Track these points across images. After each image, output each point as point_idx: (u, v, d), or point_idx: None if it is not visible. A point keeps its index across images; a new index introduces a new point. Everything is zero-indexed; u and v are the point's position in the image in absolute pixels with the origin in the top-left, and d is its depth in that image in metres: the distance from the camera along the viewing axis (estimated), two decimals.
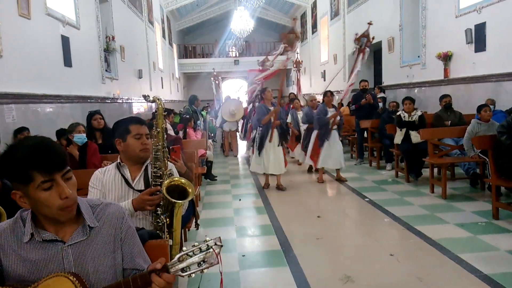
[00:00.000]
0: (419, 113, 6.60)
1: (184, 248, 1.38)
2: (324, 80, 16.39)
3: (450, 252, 3.62)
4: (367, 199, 5.60)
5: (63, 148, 1.39)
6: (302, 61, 8.90)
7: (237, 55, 23.71)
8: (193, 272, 1.33)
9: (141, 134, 2.38)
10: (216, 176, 7.50)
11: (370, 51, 12.77)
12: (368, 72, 13.24)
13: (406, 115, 6.56)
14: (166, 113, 2.68)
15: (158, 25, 15.23)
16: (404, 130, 6.49)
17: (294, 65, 9.86)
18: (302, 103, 9.12)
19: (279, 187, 6.39)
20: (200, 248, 1.34)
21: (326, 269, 3.50)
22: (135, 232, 1.58)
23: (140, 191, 2.34)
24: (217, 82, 13.08)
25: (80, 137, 4.30)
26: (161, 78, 15.21)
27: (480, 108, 5.58)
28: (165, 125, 2.51)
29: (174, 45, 20.44)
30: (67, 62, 6.45)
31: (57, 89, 6.06)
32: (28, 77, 5.29)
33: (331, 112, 6.60)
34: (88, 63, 7.51)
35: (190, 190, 2.28)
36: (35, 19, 5.49)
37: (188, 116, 7.82)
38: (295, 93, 11.63)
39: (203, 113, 10.84)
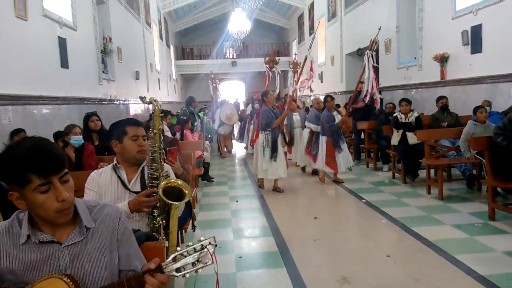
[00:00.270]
0: (415, 114, 6.62)
1: (178, 248, 1.37)
2: (322, 81, 16.40)
3: (447, 253, 3.62)
4: (364, 201, 5.61)
5: (61, 150, 1.38)
6: (300, 63, 8.83)
7: (235, 57, 23.71)
8: (188, 272, 1.33)
9: (137, 135, 2.38)
10: (213, 178, 7.50)
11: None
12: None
13: (403, 116, 6.58)
14: (163, 114, 2.69)
15: (155, 26, 15.22)
16: (401, 131, 6.50)
17: (291, 66, 9.79)
18: (300, 105, 9.07)
19: (277, 189, 6.38)
20: (194, 248, 1.34)
21: (323, 270, 3.50)
22: (131, 233, 1.58)
23: (136, 192, 2.34)
24: (214, 84, 13.11)
25: (77, 139, 4.29)
26: (158, 79, 15.20)
27: (476, 109, 5.60)
28: (162, 127, 2.51)
29: (172, 47, 20.43)
30: (64, 63, 6.44)
31: (54, 90, 6.04)
32: (24, 78, 5.27)
33: (334, 115, 6.71)
34: (85, 64, 7.49)
35: (186, 191, 2.28)
36: (32, 21, 5.47)
37: (185, 118, 7.82)
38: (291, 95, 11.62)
39: (200, 114, 10.87)
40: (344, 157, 6.68)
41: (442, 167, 5.61)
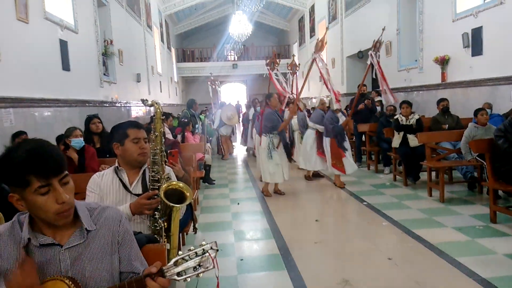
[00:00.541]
0: (416, 116, 6.62)
1: (180, 252, 1.38)
2: (322, 84, 16.40)
3: (448, 255, 3.62)
4: (365, 203, 5.60)
5: (61, 152, 1.39)
6: (299, 64, 8.82)
7: (236, 59, 23.75)
8: (189, 276, 1.33)
9: (139, 138, 2.39)
10: (214, 180, 7.50)
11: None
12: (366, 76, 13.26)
13: (404, 118, 6.57)
14: (164, 117, 2.69)
15: (156, 29, 15.25)
16: (401, 133, 6.50)
17: (289, 68, 9.75)
18: (301, 107, 9.05)
19: (278, 192, 6.38)
20: (196, 252, 1.34)
21: (324, 273, 3.49)
22: (132, 235, 1.58)
23: (138, 195, 2.34)
24: (213, 86, 13.13)
25: (77, 142, 4.29)
26: (160, 82, 15.22)
27: (477, 112, 5.59)
28: (163, 129, 2.51)
29: (173, 49, 20.47)
30: (65, 66, 6.45)
31: (55, 93, 6.06)
32: (26, 81, 5.28)
33: (338, 116, 6.67)
34: (86, 67, 7.50)
35: (188, 194, 2.28)
36: (33, 23, 5.49)
37: (186, 120, 7.82)
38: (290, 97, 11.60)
39: (201, 116, 10.88)
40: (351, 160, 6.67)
41: (443, 170, 5.60)
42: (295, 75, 9.56)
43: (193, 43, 24.93)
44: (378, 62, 6.76)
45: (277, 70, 8.55)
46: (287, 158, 6.26)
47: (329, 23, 15.37)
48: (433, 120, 6.70)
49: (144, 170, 2.44)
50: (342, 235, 4.51)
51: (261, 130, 6.22)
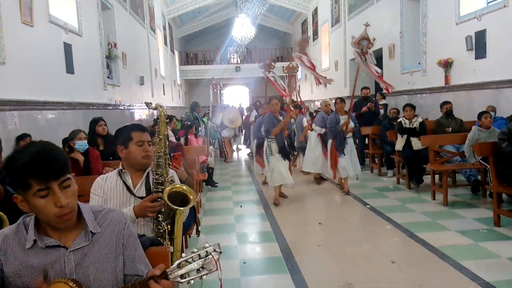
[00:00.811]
0: (420, 119, 6.61)
1: (183, 255, 1.38)
2: (325, 86, 16.39)
3: (452, 259, 3.61)
4: (368, 206, 5.59)
5: (64, 154, 1.39)
6: (297, 66, 8.78)
7: (239, 62, 23.78)
8: (192, 279, 1.34)
9: (143, 141, 2.39)
10: (217, 183, 7.51)
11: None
12: (369, 79, 13.24)
13: (407, 121, 6.56)
14: (168, 120, 2.70)
15: (160, 32, 15.31)
16: (405, 136, 6.49)
17: (285, 71, 9.70)
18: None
19: (281, 195, 6.35)
20: (199, 255, 1.35)
21: (327, 276, 3.49)
22: (137, 238, 1.59)
23: (141, 198, 2.35)
24: (215, 90, 13.11)
25: (81, 144, 4.30)
26: (163, 84, 15.26)
27: (480, 115, 5.58)
28: (166, 132, 2.52)
29: (176, 52, 20.53)
30: (69, 69, 6.48)
31: (59, 95, 6.09)
32: (30, 84, 5.31)
33: (343, 119, 6.45)
34: (90, 70, 7.54)
35: (191, 196, 2.29)
36: (38, 26, 5.52)
37: (189, 123, 7.84)
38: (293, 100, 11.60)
39: (205, 119, 10.91)
40: (349, 163, 6.41)
41: (446, 173, 5.59)
42: (293, 78, 9.53)
43: (196, 46, 24.99)
44: (364, 54, 6.69)
45: (273, 73, 8.55)
46: (284, 159, 5.98)
47: (332, 26, 15.38)
48: (437, 123, 6.68)
49: (148, 173, 2.45)
50: (345, 238, 4.51)
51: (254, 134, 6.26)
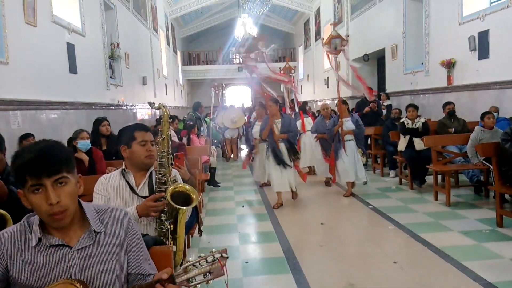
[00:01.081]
0: (422, 120, 6.59)
1: (190, 259, 1.39)
2: (328, 87, 16.41)
3: (454, 259, 3.60)
4: (370, 206, 5.59)
5: (65, 153, 1.39)
6: (294, 67, 8.77)
7: (241, 62, 23.79)
8: (199, 283, 1.35)
9: (146, 141, 2.40)
10: (219, 183, 7.51)
11: (373, 58, 12.81)
12: (371, 79, 13.26)
13: (410, 122, 6.55)
14: (170, 120, 2.71)
15: (162, 32, 15.32)
16: (407, 137, 6.48)
17: (282, 71, 9.68)
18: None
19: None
20: (206, 259, 1.36)
21: (329, 276, 3.49)
22: (141, 237, 1.60)
23: (144, 197, 2.36)
24: (217, 92, 13.08)
25: (83, 144, 4.31)
26: (165, 84, 15.28)
27: (483, 115, 5.57)
28: (169, 132, 2.53)
29: (178, 52, 20.55)
30: (72, 69, 6.50)
31: (62, 95, 6.10)
32: (33, 84, 5.33)
33: (345, 121, 6.23)
34: (93, 70, 7.56)
35: (194, 196, 2.29)
36: (41, 27, 5.54)
37: (192, 123, 7.85)
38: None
39: (207, 119, 10.92)
40: (350, 167, 6.13)
41: (449, 173, 5.58)
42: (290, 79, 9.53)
43: (198, 46, 25.00)
44: (337, 52, 6.64)
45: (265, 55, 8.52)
46: (277, 163, 5.69)
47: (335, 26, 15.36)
48: (439, 123, 6.67)
49: (151, 173, 2.46)
50: (347, 239, 4.51)
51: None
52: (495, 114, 5.89)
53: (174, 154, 2.99)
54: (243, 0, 16.03)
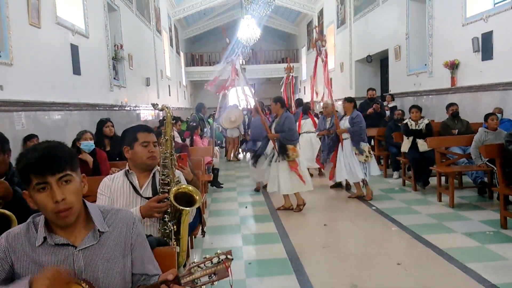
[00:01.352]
0: (426, 121, 6.58)
1: (195, 260, 1.40)
2: (331, 88, 16.38)
3: (458, 261, 3.59)
4: (374, 208, 5.58)
5: (68, 152, 1.41)
6: (293, 67, 8.80)
7: (244, 63, 23.80)
8: (203, 284, 1.36)
9: (148, 141, 2.40)
10: (222, 184, 7.52)
11: (376, 59, 12.81)
12: (374, 80, 13.25)
13: (413, 123, 6.54)
14: (174, 121, 2.71)
15: (165, 33, 15.37)
16: (411, 138, 6.47)
17: (286, 71, 9.82)
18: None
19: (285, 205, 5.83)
20: (211, 261, 1.37)
21: (332, 277, 3.48)
22: (145, 238, 1.60)
23: (148, 198, 2.36)
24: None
25: (87, 144, 4.31)
26: (169, 86, 15.31)
27: (487, 116, 5.56)
28: (172, 133, 2.53)
29: (182, 53, 20.59)
30: (76, 70, 6.52)
31: (66, 96, 6.13)
32: (37, 85, 5.35)
33: (344, 119, 6.18)
34: (96, 71, 7.58)
35: (197, 197, 2.29)
36: (45, 28, 5.57)
37: (195, 124, 7.86)
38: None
39: (210, 120, 10.94)
40: (348, 169, 6.05)
41: (453, 175, 5.57)
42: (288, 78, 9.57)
43: (201, 47, 25.04)
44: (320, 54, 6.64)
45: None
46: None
47: (337, 28, 15.37)
48: (443, 124, 6.66)
49: (154, 173, 2.46)
50: (350, 240, 4.50)
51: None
52: (499, 115, 5.87)
53: (178, 155, 2.99)
54: (246, 2, 16.03)
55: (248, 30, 17.88)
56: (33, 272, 1.38)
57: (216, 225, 5.17)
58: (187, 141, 7.25)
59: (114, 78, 8.74)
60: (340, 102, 13.70)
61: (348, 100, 6.30)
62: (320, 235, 4.65)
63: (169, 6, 16.42)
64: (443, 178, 6.09)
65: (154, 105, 2.54)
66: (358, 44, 13.43)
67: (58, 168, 1.35)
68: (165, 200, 2.29)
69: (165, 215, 2.31)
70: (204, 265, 1.36)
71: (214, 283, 1.36)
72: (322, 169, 7.31)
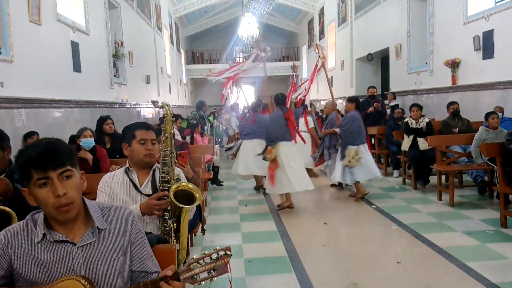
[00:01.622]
0: (426, 120, 6.57)
1: (194, 256, 1.40)
2: (331, 86, 16.38)
3: (458, 260, 3.59)
4: (374, 206, 5.58)
5: (67, 148, 1.43)
6: (297, 66, 8.90)
7: (244, 61, 23.79)
8: (203, 280, 1.36)
9: (145, 139, 2.40)
10: (223, 182, 7.52)
11: (377, 57, 12.79)
12: (375, 79, 13.24)
13: (414, 122, 6.53)
14: (174, 118, 2.71)
15: (166, 31, 15.35)
16: (411, 137, 6.46)
17: (293, 70, 9.90)
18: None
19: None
20: (210, 257, 1.37)
21: (332, 276, 3.48)
22: (144, 235, 1.61)
23: (148, 195, 2.36)
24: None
25: (86, 142, 4.31)
26: (169, 83, 15.30)
27: (488, 115, 5.55)
28: (172, 130, 2.53)
29: (182, 51, 20.58)
30: (77, 67, 6.52)
31: (66, 94, 6.12)
32: (38, 82, 5.35)
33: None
34: (97, 68, 7.58)
35: (197, 195, 2.29)
36: (46, 25, 5.56)
37: (195, 122, 7.85)
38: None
39: (210, 118, 10.94)
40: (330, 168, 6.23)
41: (453, 173, 5.56)
42: (294, 77, 9.61)
43: (202, 45, 25.03)
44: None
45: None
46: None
47: (338, 26, 15.35)
48: (443, 123, 6.65)
49: (154, 171, 2.46)
50: (350, 238, 4.50)
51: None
52: (499, 114, 5.86)
53: (178, 153, 2.99)
54: None
55: (249, 28, 17.87)
56: (32, 269, 1.39)
57: (216, 223, 5.18)
58: (188, 139, 7.25)
59: (115, 76, 8.74)
60: (341, 101, 13.76)
61: (350, 100, 6.27)
62: (320, 233, 4.65)
63: (169, 3, 16.40)
64: (443, 177, 6.08)
65: (154, 103, 2.54)
66: (359, 42, 13.41)
67: (59, 163, 1.35)
68: (165, 197, 2.29)
69: (165, 213, 2.31)
70: (203, 261, 1.37)
71: (214, 279, 1.36)
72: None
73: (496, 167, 4.62)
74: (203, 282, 1.36)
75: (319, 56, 6.50)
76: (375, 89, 9.28)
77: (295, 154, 5.61)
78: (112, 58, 8.60)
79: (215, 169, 7.26)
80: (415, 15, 9.74)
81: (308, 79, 7.28)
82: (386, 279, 3.33)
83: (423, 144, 6.25)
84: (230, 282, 1.49)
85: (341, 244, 4.28)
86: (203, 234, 3.85)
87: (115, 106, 8.48)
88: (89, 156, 4.24)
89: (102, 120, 5.19)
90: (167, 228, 2.30)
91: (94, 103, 7.24)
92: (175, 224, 2.32)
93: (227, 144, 12.03)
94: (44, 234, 1.40)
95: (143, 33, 11.75)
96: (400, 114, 7.74)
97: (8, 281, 1.40)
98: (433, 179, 6.26)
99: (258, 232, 4.82)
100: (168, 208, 2.31)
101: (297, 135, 5.76)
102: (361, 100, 8.82)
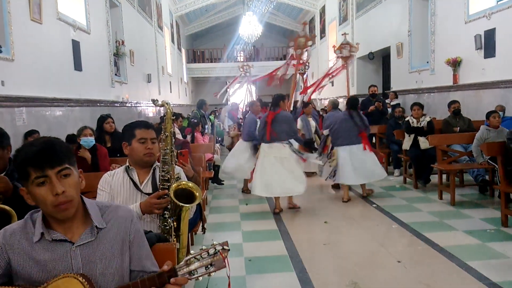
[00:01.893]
0: (427, 118, 6.56)
1: (191, 252, 1.39)
2: (332, 85, 16.34)
3: (458, 259, 3.58)
4: (374, 205, 5.57)
5: (65, 147, 1.43)
6: (309, 63, 8.82)
7: (245, 60, 23.77)
8: (200, 275, 1.35)
9: (145, 138, 2.40)
10: (223, 181, 7.51)
11: (378, 56, 12.77)
12: (376, 78, 13.22)
13: (415, 120, 6.52)
14: (174, 117, 2.70)
15: (167, 30, 15.34)
16: (412, 136, 6.45)
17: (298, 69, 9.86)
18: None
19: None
20: (207, 252, 1.36)
21: (333, 275, 3.49)
22: (143, 235, 1.60)
23: (148, 194, 2.36)
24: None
25: (86, 140, 4.31)
26: (170, 82, 15.30)
27: (489, 114, 5.54)
28: (173, 129, 2.52)
29: (183, 50, 20.57)
30: (77, 66, 6.52)
31: (67, 92, 6.13)
32: (39, 81, 5.35)
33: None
34: (98, 67, 7.58)
35: (197, 194, 2.29)
36: (47, 24, 5.56)
37: (196, 121, 7.85)
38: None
39: (211, 117, 10.94)
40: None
41: (454, 172, 5.56)
42: (302, 75, 9.60)
43: (203, 44, 25.02)
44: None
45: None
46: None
47: (339, 24, 15.32)
48: (444, 122, 6.64)
49: (154, 170, 2.46)
50: (351, 237, 4.49)
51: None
52: (500, 113, 5.85)
53: (178, 151, 2.99)
54: None
55: (250, 27, 17.86)
56: (30, 268, 1.39)
57: (216, 221, 5.18)
58: (188, 137, 7.25)
59: (116, 74, 8.74)
60: (341, 100, 13.73)
61: (354, 100, 6.17)
62: (320, 232, 4.65)
63: (170, 2, 16.39)
64: (444, 176, 6.07)
65: (154, 101, 2.53)
66: (360, 41, 13.33)
67: (57, 162, 1.35)
68: (165, 196, 2.29)
69: (165, 212, 2.31)
70: (201, 256, 1.36)
71: (211, 274, 1.36)
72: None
73: (497, 166, 4.61)
74: (200, 278, 1.35)
75: (341, 57, 6.56)
76: (376, 88, 9.27)
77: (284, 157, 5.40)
78: (113, 57, 8.60)
79: (216, 168, 7.26)
80: (417, 14, 9.72)
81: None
82: (387, 278, 3.33)
83: (424, 143, 6.24)
84: (229, 277, 1.48)
85: (342, 243, 4.28)
86: (204, 233, 3.86)
87: (115, 104, 8.48)
88: (88, 156, 4.25)
89: (102, 119, 5.19)
90: (167, 227, 2.30)
91: (95, 102, 7.24)
92: (175, 223, 2.31)
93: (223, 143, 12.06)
94: (42, 233, 1.40)
95: (144, 32, 11.75)
96: (401, 113, 7.73)
97: (7, 280, 1.40)
98: (434, 178, 6.25)
99: (259, 231, 4.81)
100: (168, 207, 2.31)
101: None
102: (362, 99, 8.83)
